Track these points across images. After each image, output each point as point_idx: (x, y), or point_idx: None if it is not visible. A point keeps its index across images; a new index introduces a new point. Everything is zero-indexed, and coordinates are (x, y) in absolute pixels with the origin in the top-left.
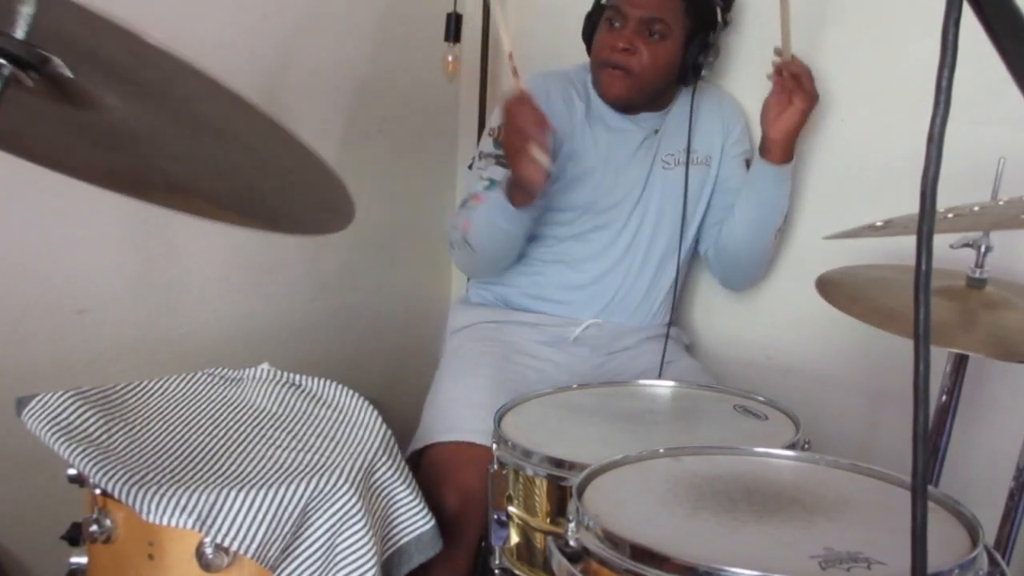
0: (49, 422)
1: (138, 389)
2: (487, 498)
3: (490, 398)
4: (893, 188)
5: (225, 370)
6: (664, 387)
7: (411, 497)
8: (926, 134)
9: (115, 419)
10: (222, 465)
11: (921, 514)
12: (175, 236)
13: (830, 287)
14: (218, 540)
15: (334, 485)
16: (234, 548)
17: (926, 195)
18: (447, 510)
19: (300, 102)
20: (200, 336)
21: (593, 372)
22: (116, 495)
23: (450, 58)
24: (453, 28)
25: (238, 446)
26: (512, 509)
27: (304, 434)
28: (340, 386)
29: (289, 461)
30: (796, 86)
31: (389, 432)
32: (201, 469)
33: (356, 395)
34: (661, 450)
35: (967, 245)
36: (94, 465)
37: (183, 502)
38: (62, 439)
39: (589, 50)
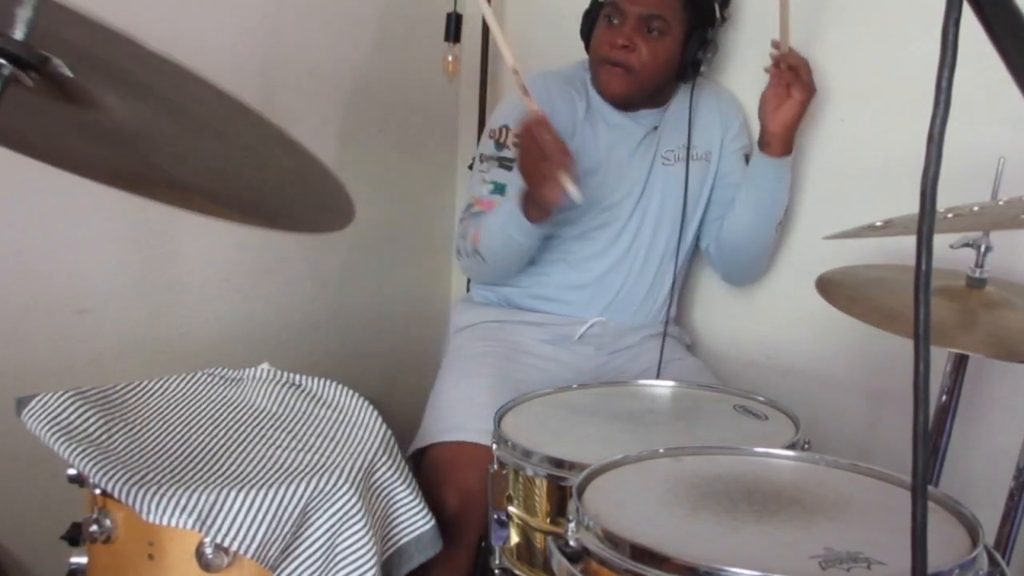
0: (49, 422)
1: (138, 389)
2: (487, 498)
3: (492, 398)
4: (893, 188)
5: (225, 370)
6: (664, 387)
7: (411, 497)
8: (926, 134)
9: (115, 419)
10: (222, 465)
11: (921, 514)
12: (175, 236)
13: (830, 287)
14: (218, 540)
15: (334, 485)
16: (234, 548)
17: (926, 195)
18: (447, 510)
19: (300, 102)
20: (200, 336)
21: (597, 371)
22: (116, 495)
23: (450, 58)
24: (453, 28)
25: (238, 446)
26: (512, 509)
27: (304, 434)
28: (340, 386)
29: (289, 461)
30: (794, 78)
31: (389, 432)
32: (201, 469)
33: (356, 395)
34: (661, 450)
35: (967, 245)
36: (94, 465)
37: (183, 502)
38: (62, 439)
39: (587, 48)
